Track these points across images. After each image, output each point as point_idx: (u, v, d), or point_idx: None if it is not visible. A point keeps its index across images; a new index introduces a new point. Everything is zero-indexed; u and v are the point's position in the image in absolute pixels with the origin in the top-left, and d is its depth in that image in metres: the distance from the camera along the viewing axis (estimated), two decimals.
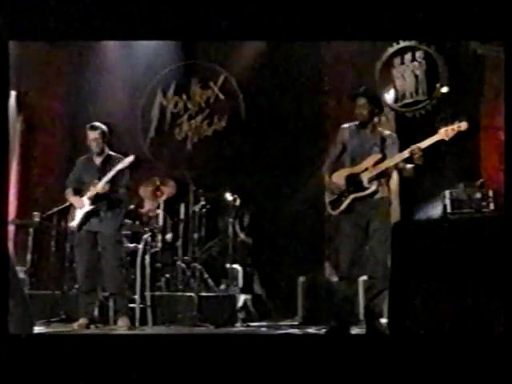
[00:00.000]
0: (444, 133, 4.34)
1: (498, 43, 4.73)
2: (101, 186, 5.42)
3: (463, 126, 4.33)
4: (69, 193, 5.72)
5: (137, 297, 5.75)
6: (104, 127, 5.71)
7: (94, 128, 5.67)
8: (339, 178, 4.64)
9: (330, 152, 4.87)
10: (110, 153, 5.71)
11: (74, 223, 5.56)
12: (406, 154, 4.42)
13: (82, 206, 5.53)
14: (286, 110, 7.20)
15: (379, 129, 4.74)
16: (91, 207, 5.50)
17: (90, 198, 5.51)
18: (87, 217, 5.52)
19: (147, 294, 5.86)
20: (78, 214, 5.55)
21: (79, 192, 5.64)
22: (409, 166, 4.47)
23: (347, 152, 4.71)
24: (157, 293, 6.05)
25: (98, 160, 5.68)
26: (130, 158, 5.46)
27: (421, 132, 4.60)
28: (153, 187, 6.94)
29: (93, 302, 5.60)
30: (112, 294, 5.59)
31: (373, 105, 4.66)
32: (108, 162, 5.62)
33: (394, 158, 4.51)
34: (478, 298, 3.42)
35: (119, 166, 5.44)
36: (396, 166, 4.54)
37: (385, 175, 4.59)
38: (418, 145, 4.38)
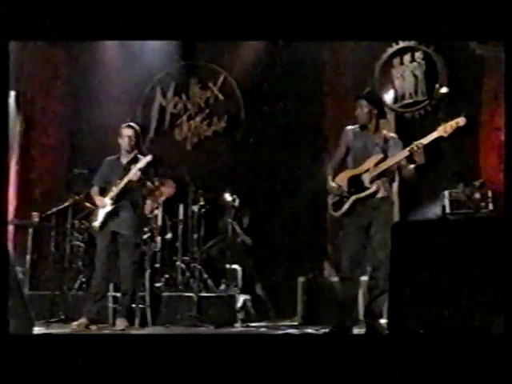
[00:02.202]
0: (442, 129, 4.34)
1: (498, 43, 4.74)
2: (133, 172, 5.43)
3: (461, 121, 4.32)
4: (94, 192, 5.74)
5: (136, 297, 5.76)
6: (138, 128, 5.79)
7: (129, 126, 5.73)
8: (342, 179, 4.65)
9: (334, 154, 4.88)
10: (139, 155, 5.72)
11: (97, 223, 5.58)
12: (406, 152, 4.43)
13: (104, 206, 5.54)
14: (286, 111, 7.20)
15: (383, 131, 4.74)
16: (112, 207, 5.51)
17: (111, 198, 5.53)
18: (109, 217, 5.53)
19: (147, 294, 5.86)
20: (101, 214, 5.56)
21: (104, 191, 5.66)
22: (411, 166, 4.47)
23: (350, 154, 4.71)
24: (156, 293, 6.06)
25: (124, 159, 5.70)
26: (149, 158, 5.52)
27: (420, 132, 4.60)
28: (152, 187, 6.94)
29: (98, 303, 5.57)
30: (124, 294, 5.58)
31: (373, 107, 4.66)
32: (134, 163, 5.59)
33: (395, 157, 4.51)
34: (477, 298, 3.42)
35: (148, 158, 5.48)
36: (398, 166, 4.54)
37: (386, 175, 4.59)
38: (418, 142, 4.39)
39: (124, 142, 5.69)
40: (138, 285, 5.75)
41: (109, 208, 5.52)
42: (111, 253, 5.57)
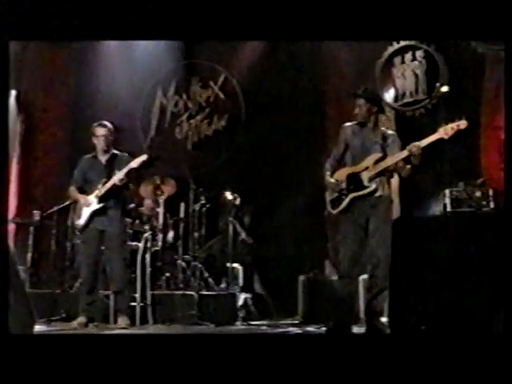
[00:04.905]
0: (443, 131, 4.35)
1: (499, 42, 4.74)
2: (118, 178, 5.42)
3: (462, 124, 4.33)
4: (73, 190, 5.73)
5: (137, 295, 5.77)
6: (111, 126, 5.76)
7: (102, 125, 5.71)
8: (340, 176, 4.65)
9: (332, 151, 4.88)
10: (116, 152, 5.74)
11: (81, 221, 5.57)
12: (405, 152, 4.43)
13: (89, 205, 5.53)
14: (286, 110, 7.20)
15: (381, 128, 4.75)
16: (100, 205, 5.50)
17: (97, 197, 5.51)
18: (94, 215, 5.53)
19: (148, 292, 5.87)
20: (85, 212, 5.55)
21: (83, 190, 5.66)
22: (407, 166, 4.48)
23: (349, 150, 4.72)
24: (157, 291, 6.07)
25: (103, 158, 5.69)
26: (144, 157, 5.48)
27: (421, 131, 4.61)
28: (153, 186, 6.95)
29: (93, 301, 5.59)
30: (115, 293, 5.59)
31: (371, 105, 4.67)
32: (114, 161, 5.64)
33: (394, 157, 4.52)
34: (478, 296, 3.43)
35: (133, 164, 5.45)
36: (395, 166, 4.54)
37: (385, 174, 4.59)
38: (417, 143, 4.39)
39: (99, 142, 5.67)
40: (130, 281, 5.74)
41: (96, 206, 5.51)
42: (97, 250, 5.55)
